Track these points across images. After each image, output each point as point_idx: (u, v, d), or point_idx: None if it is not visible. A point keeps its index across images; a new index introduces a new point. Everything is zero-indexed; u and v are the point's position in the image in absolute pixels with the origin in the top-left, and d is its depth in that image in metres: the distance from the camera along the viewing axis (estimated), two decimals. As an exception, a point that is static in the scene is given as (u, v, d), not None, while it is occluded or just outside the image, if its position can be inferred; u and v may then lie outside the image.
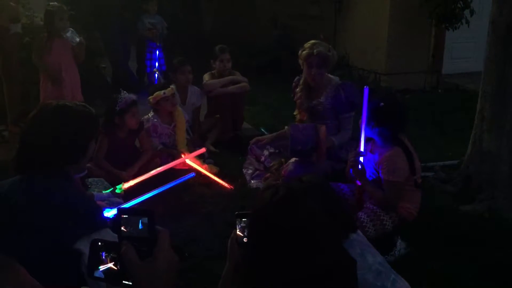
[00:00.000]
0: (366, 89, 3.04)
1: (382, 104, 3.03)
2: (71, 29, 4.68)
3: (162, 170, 3.84)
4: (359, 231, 1.98)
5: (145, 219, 1.02)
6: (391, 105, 3.07)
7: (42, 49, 4.68)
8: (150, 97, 4.32)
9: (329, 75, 3.96)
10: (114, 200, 3.25)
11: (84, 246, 1.57)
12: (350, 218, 1.47)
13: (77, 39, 4.63)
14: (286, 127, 4.24)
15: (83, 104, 1.94)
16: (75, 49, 4.71)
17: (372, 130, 3.06)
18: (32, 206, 1.64)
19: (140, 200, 3.31)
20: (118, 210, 1.05)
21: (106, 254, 1.03)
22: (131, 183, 3.62)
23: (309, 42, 3.86)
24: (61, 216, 1.62)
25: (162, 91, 4.27)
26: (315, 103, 3.87)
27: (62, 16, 4.64)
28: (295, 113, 4.11)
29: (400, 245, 2.99)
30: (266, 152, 4.16)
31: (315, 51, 3.74)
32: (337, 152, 3.79)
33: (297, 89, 4.01)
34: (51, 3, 4.78)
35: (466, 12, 6.26)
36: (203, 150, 4.29)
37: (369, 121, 3.05)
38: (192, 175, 3.64)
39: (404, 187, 3.03)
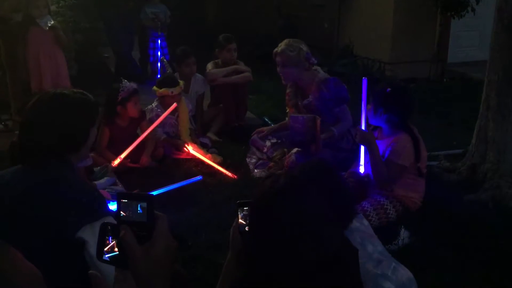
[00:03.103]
0: (364, 80, 3.05)
1: (389, 89, 3.03)
2: (48, 15, 4.65)
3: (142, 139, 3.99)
4: (364, 221, 1.97)
5: (144, 204, 1.02)
6: (398, 90, 3.09)
7: (19, 40, 4.66)
8: (156, 89, 4.31)
9: (317, 70, 3.91)
10: (116, 188, 3.26)
11: (87, 235, 1.57)
12: (351, 206, 1.46)
13: (49, 24, 4.60)
14: (287, 118, 4.24)
15: (81, 91, 1.92)
16: (51, 33, 4.68)
17: (380, 118, 3.06)
18: (34, 196, 1.64)
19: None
20: (117, 194, 1.04)
21: (113, 239, 1.03)
22: (121, 157, 3.77)
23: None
24: (63, 206, 1.61)
25: (170, 90, 4.25)
26: (306, 102, 3.86)
27: (37, 3, 4.60)
28: (287, 111, 4.09)
29: (403, 234, 2.98)
30: (268, 143, 4.15)
31: (279, 49, 3.76)
32: (338, 141, 3.78)
33: (287, 90, 4.00)
34: None
35: (472, 0, 6.20)
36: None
37: (376, 109, 3.04)
38: (199, 178, 3.61)
39: (407, 174, 3.03)
